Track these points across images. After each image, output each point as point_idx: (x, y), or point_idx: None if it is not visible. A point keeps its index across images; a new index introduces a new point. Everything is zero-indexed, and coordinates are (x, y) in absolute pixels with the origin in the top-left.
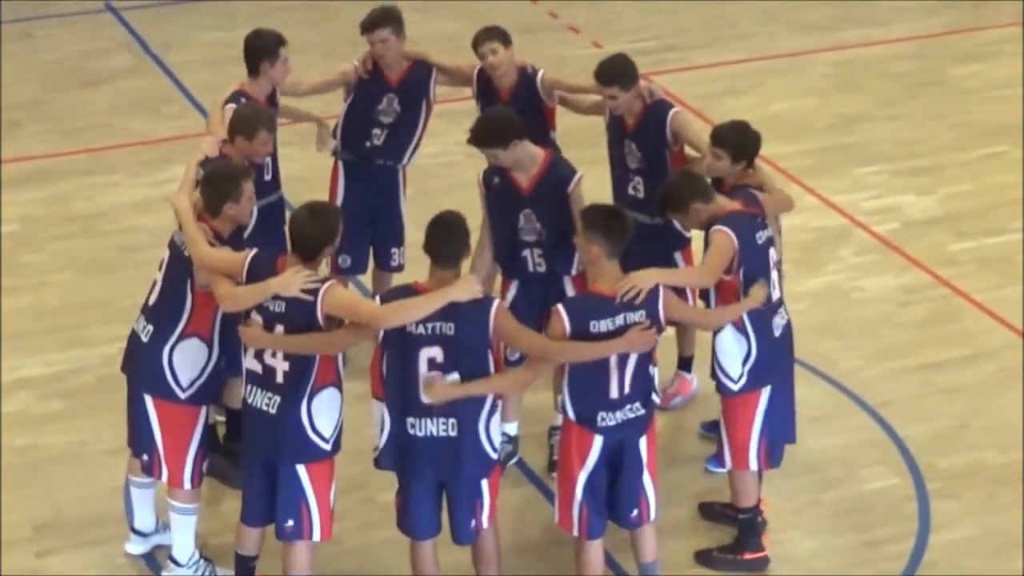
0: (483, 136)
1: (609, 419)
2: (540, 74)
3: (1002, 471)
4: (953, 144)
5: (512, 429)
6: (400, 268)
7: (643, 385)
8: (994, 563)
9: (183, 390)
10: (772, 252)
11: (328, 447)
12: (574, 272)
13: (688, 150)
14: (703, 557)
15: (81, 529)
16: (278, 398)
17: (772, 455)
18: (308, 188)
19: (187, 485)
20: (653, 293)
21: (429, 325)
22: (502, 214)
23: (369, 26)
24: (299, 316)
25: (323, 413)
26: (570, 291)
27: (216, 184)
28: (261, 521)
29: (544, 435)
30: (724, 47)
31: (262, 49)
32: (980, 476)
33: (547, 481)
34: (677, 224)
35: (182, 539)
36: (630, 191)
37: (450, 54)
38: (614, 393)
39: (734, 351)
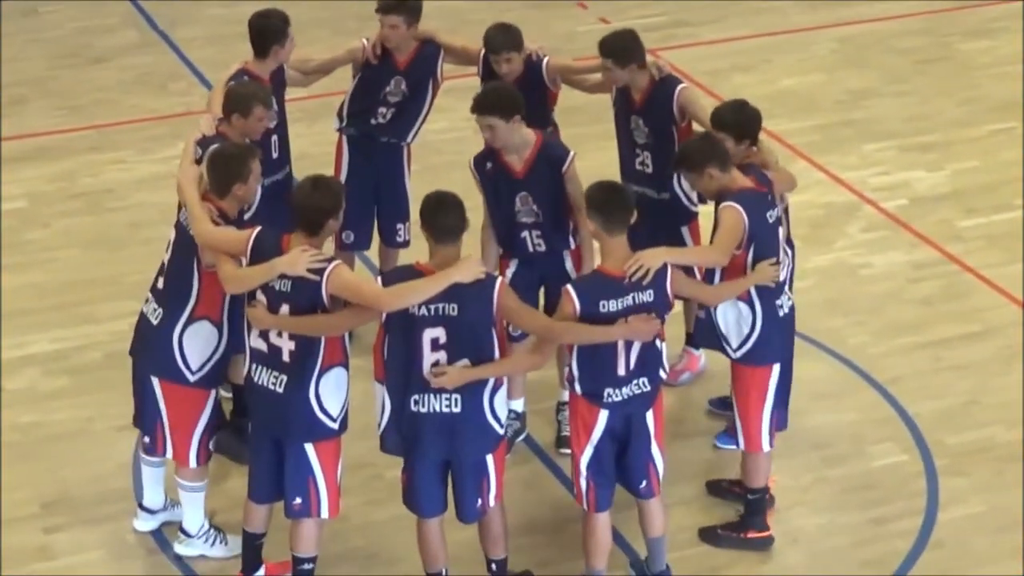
0: (488, 103)
1: (615, 395)
2: (546, 61)
3: (1010, 448)
4: (961, 120)
5: (519, 406)
6: (406, 244)
7: (651, 362)
8: (1002, 540)
9: (193, 373)
10: (781, 231)
11: (336, 426)
12: (572, 247)
13: (696, 125)
14: (707, 534)
15: (88, 506)
16: (284, 377)
17: (778, 426)
18: (317, 165)
19: (192, 463)
20: (661, 272)
21: (432, 306)
22: (497, 198)
23: (384, 8)
24: (304, 296)
25: (330, 392)
26: (569, 266)
27: (224, 164)
28: (268, 498)
29: (552, 411)
30: (732, 23)
31: (272, 31)
32: (988, 453)
33: (555, 457)
34: (684, 193)
35: (192, 512)
36: (637, 166)
37: (458, 29)
38: (621, 370)
39: (737, 320)
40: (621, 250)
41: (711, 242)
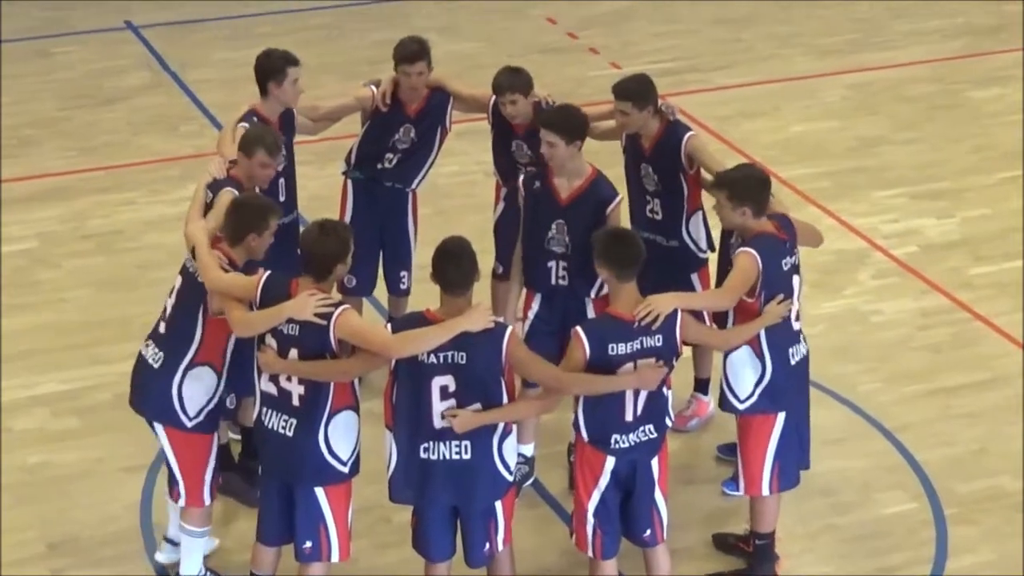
0: (554, 120)
1: (622, 441)
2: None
3: (1019, 496)
4: (972, 168)
5: (528, 450)
6: (407, 292)
7: (657, 409)
8: None
9: (190, 419)
10: (796, 280)
11: (346, 470)
12: (595, 295)
13: (704, 173)
14: None
15: (96, 547)
16: (294, 421)
17: (783, 479)
18: (327, 208)
19: (206, 500)
20: (671, 318)
21: (441, 354)
22: (535, 220)
23: (411, 57)
24: (312, 340)
25: (340, 436)
26: (591, 313)
27: (243, 213)
28: (277, 540)
29: (561, 455)
30: (741, 69)
31: (269, 70)
32: (998, 501)
33: (563, 502)
34: (692, 240)
35: (191, 559)
36: (647, 213)
37: (468, 73)
38: (628, 416)
39: (746, 370)
40: (631, 295)
41: (724, 285)
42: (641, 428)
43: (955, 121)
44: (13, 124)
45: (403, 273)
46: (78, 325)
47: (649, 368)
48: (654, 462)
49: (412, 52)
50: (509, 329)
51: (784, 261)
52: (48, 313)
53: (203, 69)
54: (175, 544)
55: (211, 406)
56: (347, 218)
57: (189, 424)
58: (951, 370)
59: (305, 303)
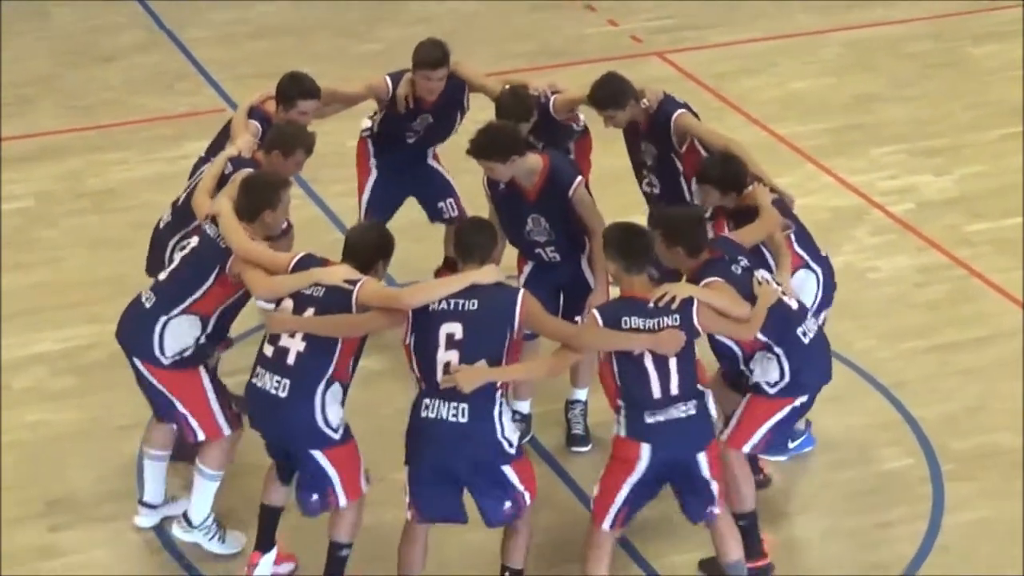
0: (483, 147)
1: (659, 415)
2: (552, 100)
3: (1017, 453)
4: (970, 124)
5: (524, 407)
6: (452, 221)
7: (689, 385)
8: (1008, 545)
9: (166, 357)
10: (761, 273)
11: (337, 436)
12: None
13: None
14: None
15: (93, 504)
16: (287, 381)
17: (769, 448)
18: (326, 164)
19: (226, 430)
20: (687, 302)
21: (452, 301)
22: (510, 217)
23: (433, 64)
24: (334, 301)
25: (332, 406)
26: (586, 268)
27: (256, 190)
28: (289, 480)
29: (558, 412)
30: (739, 26)
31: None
32: (995, 458)
33: (561, 459)
34: None
35: (201, 502)
36: (644, 187)
37: (467, 31)
38: (656, 393)
39: (760, 370)
40: (643, 283)
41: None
42: (675, 405)
43: (953, 78)
44: (11, 82)
45: (442, 204)
46: (74, 284)
47: (667, 332)
48: (702, 456)
49: (435, 59)
50: (523, 289)
51: (733, 267)
52: (45, 272)
53: (199, 27)
54: (152, 507)
55: (187, 353)
56: (371, 174)
57: (166, 362)
58: (948, 327)
59: (336, 270)
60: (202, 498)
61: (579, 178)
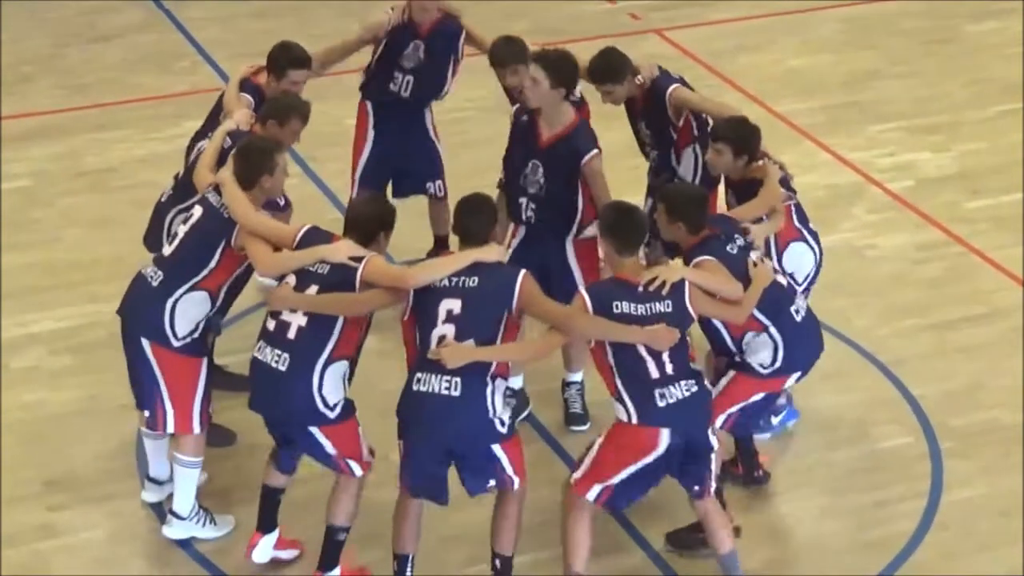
0: (543, 56)
1: (669, 396)
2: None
3: (1015, 430)
4: (968, 101)
5: (516, 383)
6: (442, 198)
7: (684, 365)
8: (1006, 522)
9: (178, 339)
10: (753, 254)
11: (333, 415)
12: (575, 234)
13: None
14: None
15: (92, 484)
16: (287, 355)
17: (736, 427)
18: (324, 143)
19: (196, 429)
20: (678, 286)
21: (453, 278)
22: (514, 154)
23: None
24: (338, 279)
25: (332, 384)
26: (571, 255)
27: (251, 157)
28: (287, 468)
29: (556, 392)
30: (737, 3)
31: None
32: (993, 435)
33: (559, 438)
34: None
35: (184, 493)
36: (650, 162)
37: (465, 8)
38: (655, 374)
39: (756, 353)
40: (634, 265)
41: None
42: (676, 384)
43: (951, 54)
44: (10, 62)
45: (430, 184)
46: (73, 263)
47: (661, 329)
48: (709, 431)
49: None
50: (524, 270)
51: (729, 247)
52: (43, 251)
53: (197, 7)
54: (158, 482)
55: (197, 333)
56: (368, 140)
57: (176, 344)
58: (947, 304)
59: (340, 246)
60: (185, 487)
61: (596, 150)
